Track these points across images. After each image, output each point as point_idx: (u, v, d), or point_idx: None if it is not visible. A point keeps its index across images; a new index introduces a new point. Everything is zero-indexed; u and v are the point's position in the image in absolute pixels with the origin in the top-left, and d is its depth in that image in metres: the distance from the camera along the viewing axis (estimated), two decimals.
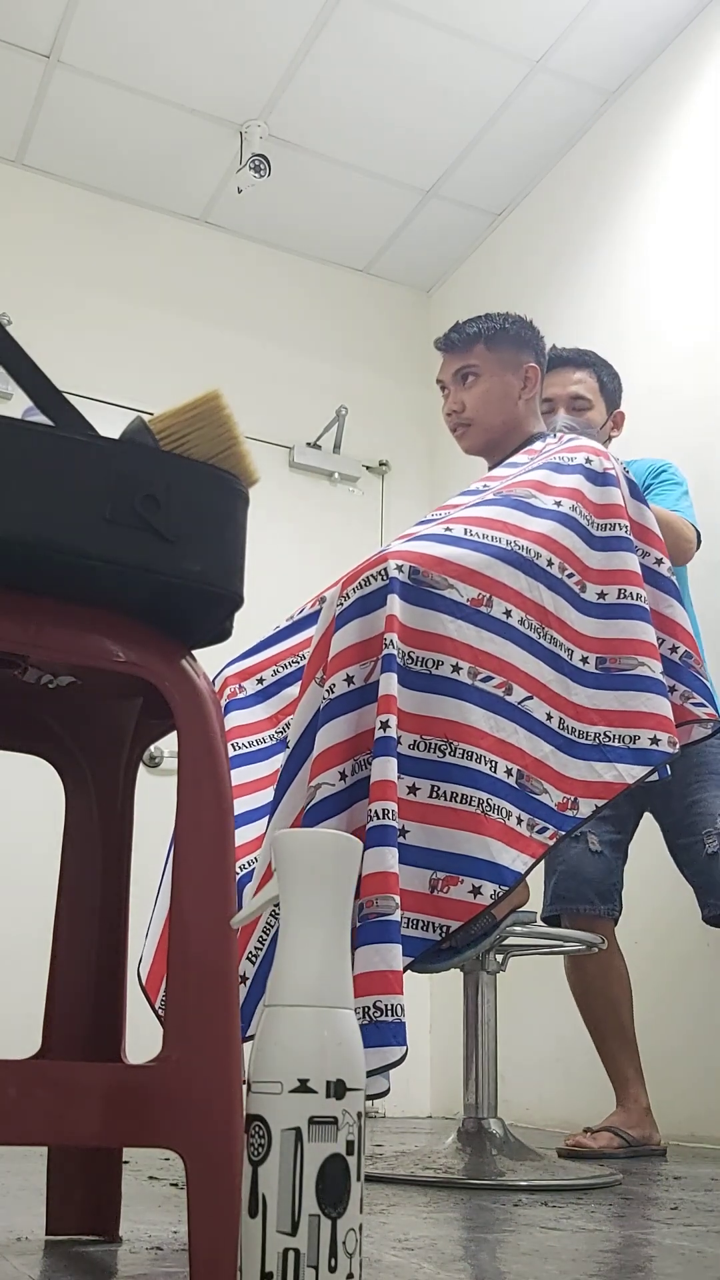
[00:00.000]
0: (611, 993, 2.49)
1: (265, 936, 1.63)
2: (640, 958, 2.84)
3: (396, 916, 1.50)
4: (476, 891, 1.60)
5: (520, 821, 1.68)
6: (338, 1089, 0.74)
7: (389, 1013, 1.45)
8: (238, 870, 1.62)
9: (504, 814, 1.66)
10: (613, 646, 1.87)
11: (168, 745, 3.29)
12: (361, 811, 1.59)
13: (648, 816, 2.57)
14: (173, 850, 0.94)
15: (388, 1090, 1.48)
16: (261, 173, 3.71)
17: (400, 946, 1.50)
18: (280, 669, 2.07)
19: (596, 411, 2.67)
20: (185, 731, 0.93)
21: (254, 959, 1.62)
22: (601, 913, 2.46)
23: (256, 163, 3.69)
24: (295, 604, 2.17)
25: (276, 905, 0.80)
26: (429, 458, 4.27)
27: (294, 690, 1.97)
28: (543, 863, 2.55)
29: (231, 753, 1.91)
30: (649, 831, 2.58)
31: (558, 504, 1.92)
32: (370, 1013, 1.44)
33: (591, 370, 2.71)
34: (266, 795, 1.81)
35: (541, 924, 2.40)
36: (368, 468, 4.20)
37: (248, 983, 1.61)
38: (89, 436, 0.90)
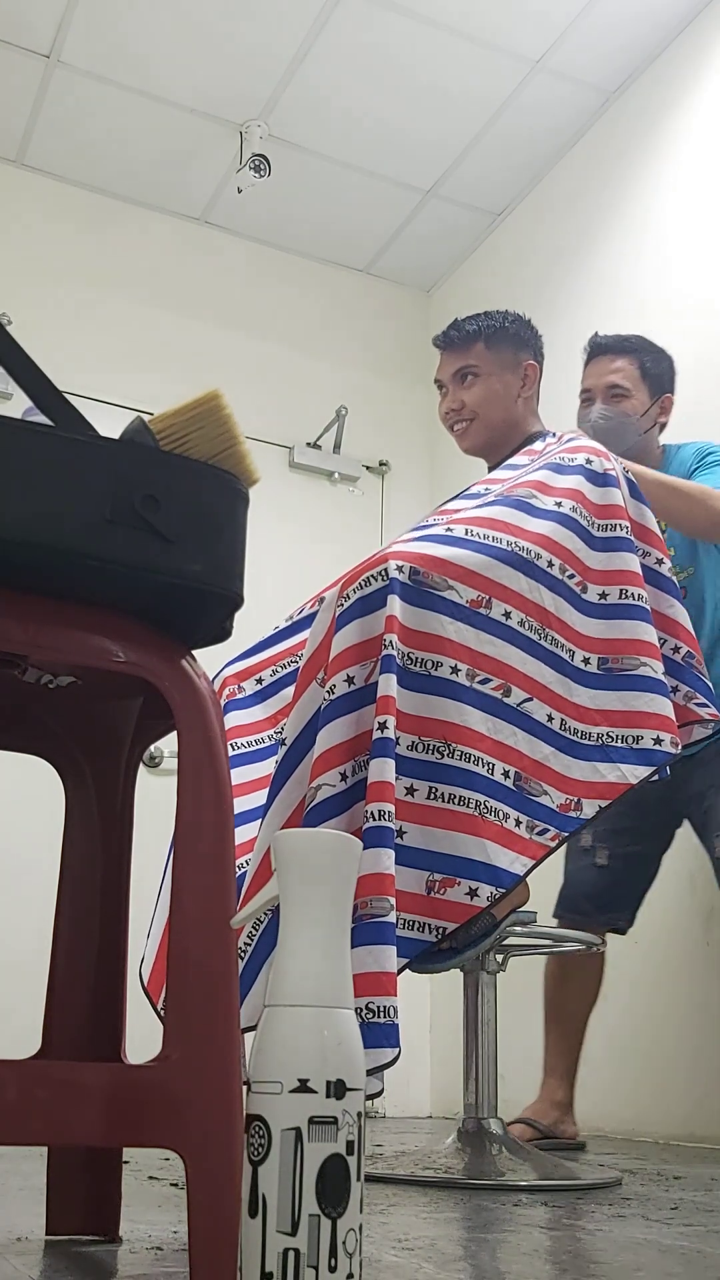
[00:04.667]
0: (573, 987, 2.56)
1: (254, 932, 1.63)
2: (639, 957, 2.84)
3: (391, 918, 1.50)
4: (473, 893, 1.60)
5: (519, 824, 1.68)
6: (338, 1089, 0.74)
7: (382, 1014, 1.45)
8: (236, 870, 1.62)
9: (501, 816, 1.66)
10: (614, 647, 1.87)
11: (168, 745, 3.29)
12: (361, 813, 1.59)
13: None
14: (173, 850, 0.94)
15: (381, 1091, 1.48)
16: (261, 173, 3.71)
17: (394, 948, 1.50)
18: (279, 669, 2.07)
19: (636, 400, 2.58)
20: (185, 731, 0.93)
21: (242, 955, 1.62)
22: (598, 921, 2.49)
23: (256, 163, 3.69)
24: (295, 604, 2.17)
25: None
26: (429, 458, 4.27)
27: (293, 691, 1.97)
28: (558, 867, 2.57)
29: (230, 753, 1.90)
30: None
31: (558, 505, 1.92)
32: (363, 1014, 1.44)
33: (632, 356, 2.61)
34: (265, 795, 1.81)
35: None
36: (368, 468, 4.20)
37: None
38: (89, 436, 0.90)
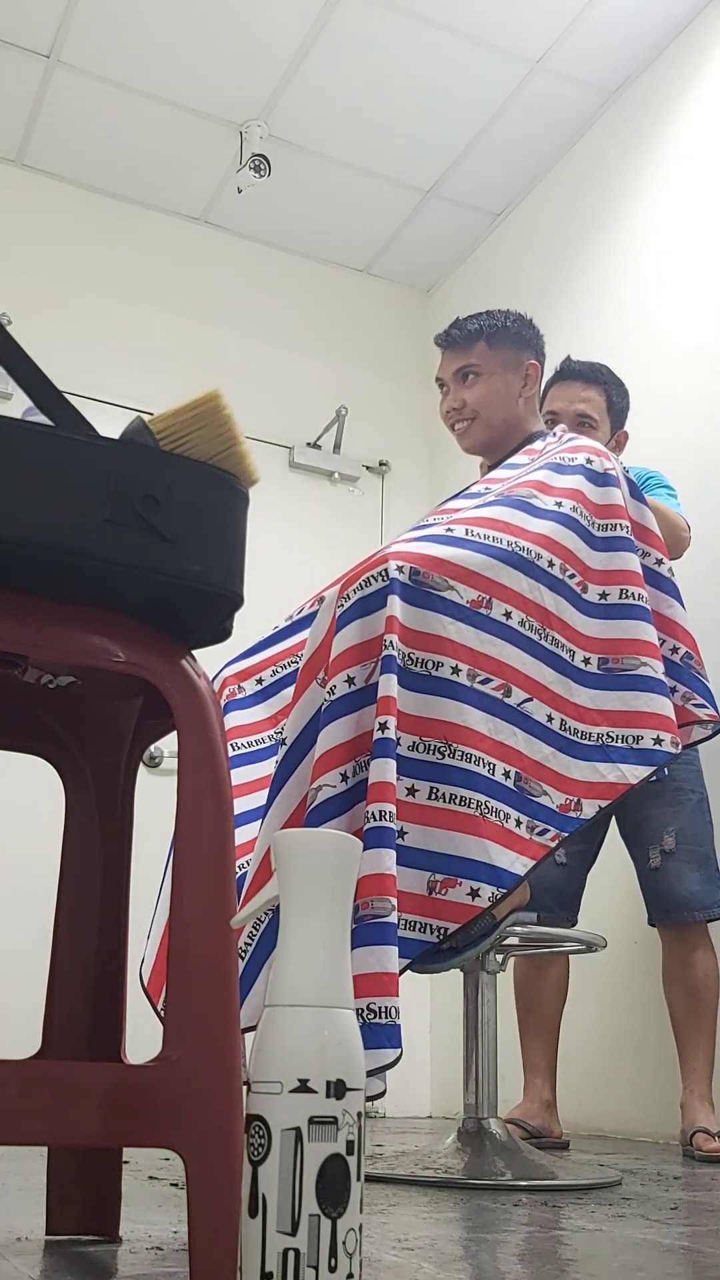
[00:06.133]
0: (547, 985, 2.60)
1: (254, 932, 1.63)
2: (639, 957, 2.84)
3: (393, 918, 1.50)
4: (474, 894, 1.60)
5: (519, 824, 1.68)
6: (338, 1089, 0.74)
7: (384, 1015, 1.45)
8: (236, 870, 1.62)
9: (502, 816, 1.66)
10: (614, 647, 1.87)
11: (168, 745, 3.29)
12: (362, 813, 1.59)
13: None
14: (173, 850, 0.94)
15: (384, 1091, 1.48)
16: (261, 173, 3.71)
17: (396, 948, 1.50)
18: (280, 669, 2.07)
19: (601, 431, 2.65)
20: (185, 731, 0.93)
21: (242, 955, 1.62)
22: (561, 919, 2.53)
23: (256, 163, 3.69)
24: (295, 604, 2.17)
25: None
26: (429, 458, 4.27)
27: (292, 691, 1.97)
28: None
29: (230, 753, 1.90)
30: None
31: (558, 504, 1.92)
32: (365, 1015, 1.44)
33: (602, 388, 2.68)
34: (265, 795, 1.81)
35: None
36: (368, 468, 4.20)
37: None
38: (89, 436, 0.90)
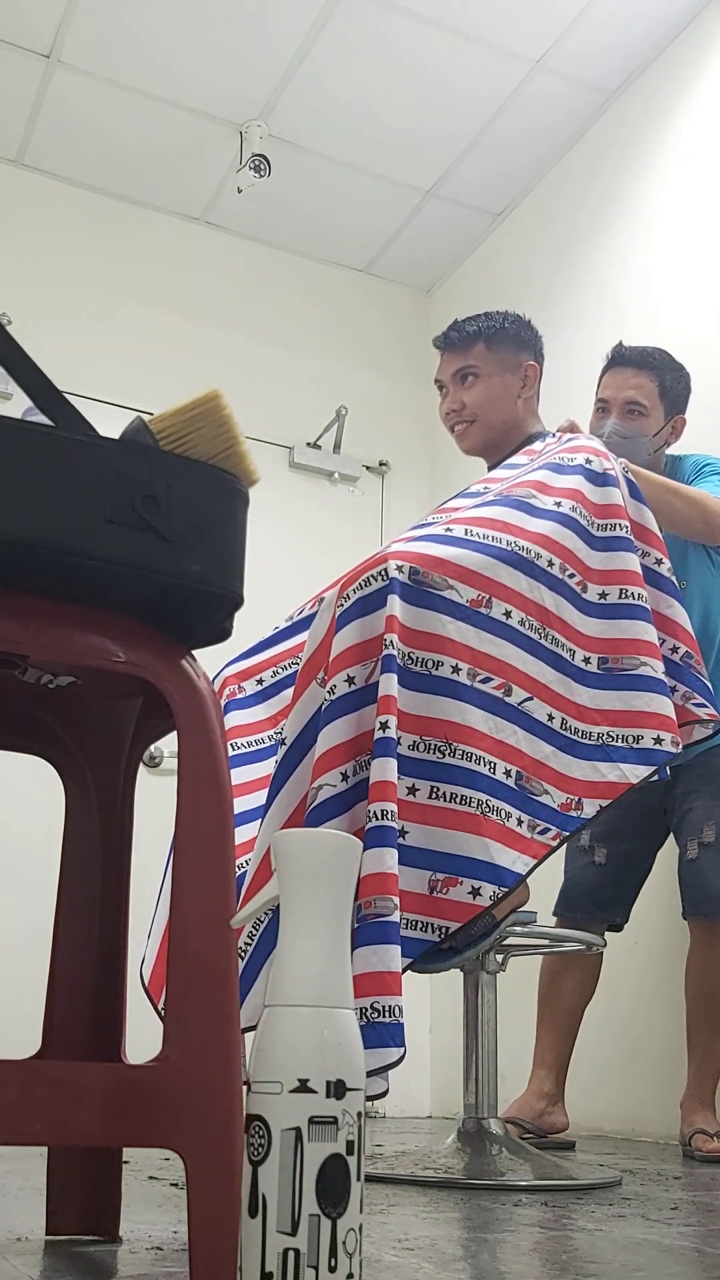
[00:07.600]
0: (569, 982, 2.57)
1: (254, 932, 1.63)
2: (641, 958, 2.84)
3: (395, 918, 1.50)
4: (476, 893, 1.60)
5: (520, 823, 1.68)
6: (338, 1089, 0.74)
7: (387, 1014, 1.45)
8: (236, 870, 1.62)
9: (503, 815, 1.66)
10: (615, 646, 1.87)
11: (168, 745, 3.29)
12: (363, 812, 1.59)
13: None
14: (173, 850, 0.94)
15: (386, 1091, 1.48)
16: (261, 173, 3.71)
17: (399, 948, 1.50)
18: (280, 669, 2.07)
19: (652, 419, 2.57)
20: (185, 731, 0.93)
21: (242, 955, 1.62)
22: (598, 919, 2.51)
23: (256, 163, 3.69)
24: (295, 604, 2.17)
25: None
26: (429, 458, 4.27)
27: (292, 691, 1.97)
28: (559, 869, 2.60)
29: (230, 753, 1.90)
30: None
31: (558, 504, 1.92)
32: (368, 1014, 1.44)
33: (653, 373, 2.59)
34: (265, 795, 1.81)
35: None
36: (368, 468, 4.20)
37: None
38: (89, 436, 0.90)
